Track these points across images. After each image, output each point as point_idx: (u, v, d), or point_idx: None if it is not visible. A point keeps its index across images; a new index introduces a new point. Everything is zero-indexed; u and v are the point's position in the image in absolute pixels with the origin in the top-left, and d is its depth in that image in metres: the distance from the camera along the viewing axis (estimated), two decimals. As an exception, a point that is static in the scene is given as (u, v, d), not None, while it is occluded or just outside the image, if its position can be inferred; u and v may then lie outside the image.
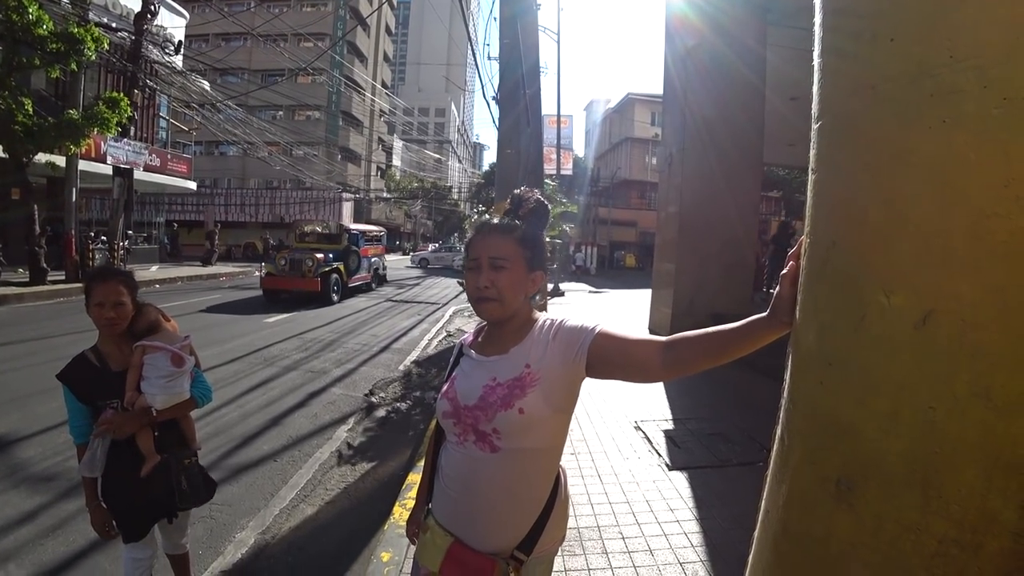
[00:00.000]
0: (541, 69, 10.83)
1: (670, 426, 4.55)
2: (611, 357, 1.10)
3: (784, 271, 0.96)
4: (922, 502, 0.68)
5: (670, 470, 3.67)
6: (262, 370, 6.38)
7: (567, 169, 30.27)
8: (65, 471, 3.49)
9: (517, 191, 1.27)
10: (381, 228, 18.46)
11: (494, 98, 9.35)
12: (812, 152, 0.87)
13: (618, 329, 1.13)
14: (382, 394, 5.69)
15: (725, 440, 4.22)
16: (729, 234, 7.85)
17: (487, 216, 1.25)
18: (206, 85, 21.03)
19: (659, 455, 3.92)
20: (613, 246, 34.36)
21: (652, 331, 8.78)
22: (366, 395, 5.62)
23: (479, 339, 1.30)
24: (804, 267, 0.87)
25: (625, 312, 12.00)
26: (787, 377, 0.93)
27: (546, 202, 1.27)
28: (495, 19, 8.85)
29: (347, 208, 38.51)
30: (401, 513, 3.03)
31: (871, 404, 0.73)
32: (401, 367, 6.91)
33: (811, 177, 0.87)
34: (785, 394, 0.92)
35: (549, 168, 19.96)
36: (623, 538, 2.82)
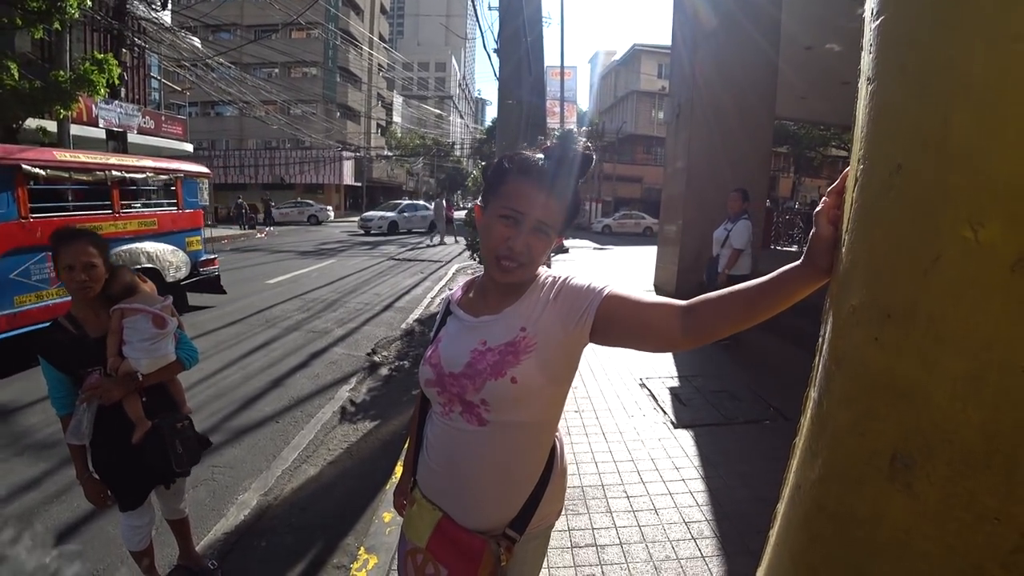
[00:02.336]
0: (544, 19, 10.27)
1: (676, 383, 4.48)
2: (622, 322, 0.96)
3: (818, 208, 0.81)
4: (1004, 486, 0.55)
5: (675, 428, 3.61)
6: (264, 331, 6.33)
7: (571, 122, 29.46)
8: (66, 437, 3.48)
9: (574, 143, 1.04)
10: (169, 163, 7.35)
11: (495, 50, 8.92)
12: (868, 58, 0.70)
13: (630, 291, 0.98)
14: (384, 353, 5.63)
15: (731, 397, 4.15)
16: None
17: (540, 156, 1.03)
18: (197, 42, 20.29)
19: (664, 413, 3.85)
20: (618, 202, 33.88)
21: (657, 289, 8.64)
22: (368, 354, 5.57)
23: (469, 294, 1.16)
24: (855, 199, 0.70)
25: (631, 269, 11.85)
26: (826, 333, 0.78)
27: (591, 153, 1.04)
28: (494, -40, 8.34)
29: (348, 167, 37.93)
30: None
31: (945, 365, 0.58)
32: (403, 325, 6.84)
33: (866, 88, 0.70)
34: (824, 353, 0.78)
35: (552, 121, 19.41)
36: (627, 497, 2.77)
